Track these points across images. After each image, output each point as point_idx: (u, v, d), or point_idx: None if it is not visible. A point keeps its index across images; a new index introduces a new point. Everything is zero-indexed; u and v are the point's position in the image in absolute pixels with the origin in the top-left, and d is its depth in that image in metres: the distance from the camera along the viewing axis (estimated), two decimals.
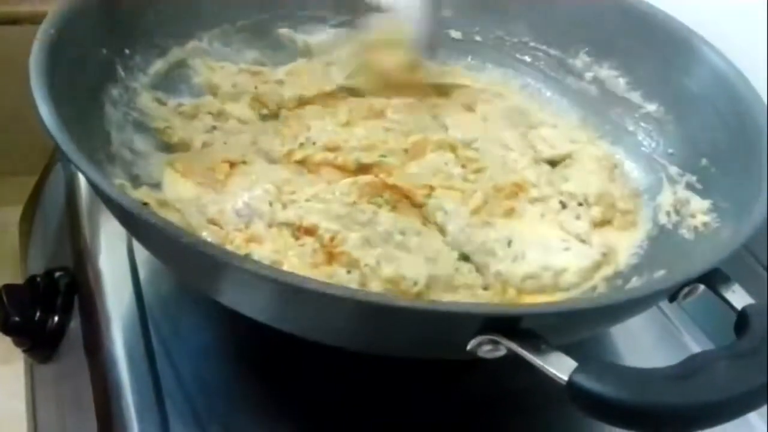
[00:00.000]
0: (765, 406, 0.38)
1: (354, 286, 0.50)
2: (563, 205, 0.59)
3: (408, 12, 0.64)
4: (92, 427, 0.51)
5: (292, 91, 0.65)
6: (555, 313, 0.41)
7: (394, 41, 0.65)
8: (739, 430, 0.41)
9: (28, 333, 0.63)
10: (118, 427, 0.49)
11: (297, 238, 0.53)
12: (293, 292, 0.40)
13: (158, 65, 0.61)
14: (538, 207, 0.59)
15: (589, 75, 0.67)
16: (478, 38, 0.71)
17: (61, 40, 0.51)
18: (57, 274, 0.63)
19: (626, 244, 0.57)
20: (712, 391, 0.36)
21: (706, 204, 0.55)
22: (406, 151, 0.61)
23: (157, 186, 0.56)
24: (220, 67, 0.65)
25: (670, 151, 0.61)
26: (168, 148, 0.59)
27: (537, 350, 0.38)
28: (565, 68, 0.68)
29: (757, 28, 0.62)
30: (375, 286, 0.50)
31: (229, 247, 0.51)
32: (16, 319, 0.62)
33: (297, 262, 0.51)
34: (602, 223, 0.58)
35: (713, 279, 0.44)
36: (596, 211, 0.58)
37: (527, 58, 0.70)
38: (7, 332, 0.63)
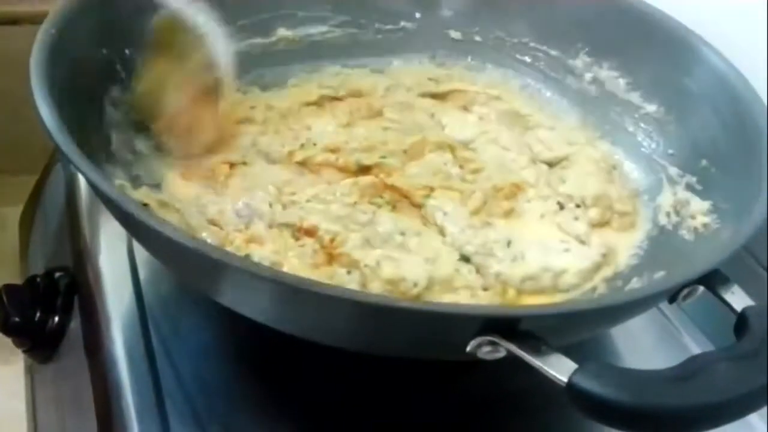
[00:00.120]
0: (765, 408, 0.38)
1: (354, 286, 0.50)
2: (561, 206, 0.59)
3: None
4: (92, 428, 0.51)
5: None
6: (554, 314, 0.41)
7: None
8: (740, 431, 0.41)
9: (28, 333, 0.63)
10: (118, 427, 0.49)
11: (297, 239, 0.53)
12: (293, 294, 0.40)
13: None
14: (536, 208, 0.59)
15: (589, 75, 0.67)
16: (477, 38, 0.71)
17: (62, 40, 0.51)
18: (57, 274, 0.63)
19: (626, 245, 0.57)
20: (712, 393, 0.36)
21: (706, 205, 0.55)
22: (405, 152, 0.61)
23: (157, 186, 0.56)
24: None
25: (670, 151, 0.61)
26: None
27: (537, 352, 0.38)
28: (565, 69, 0.68)
29: (757, 28, 0.62)
30: (375, 287, 0.50)
31: (229, 248, 0.51)
32: (16, 319, 0.62)
33: (297, 263, 0.51)
34: (601, 224, 0.58)
35: (713, 280, 0.44)
36: (594, 213, 0.58)
37: (527, 59, 0.70)
38: (7, 332, 0.63)
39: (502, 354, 0.39)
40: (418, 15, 0.71)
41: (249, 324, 0.45)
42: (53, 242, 0.70)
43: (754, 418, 0.50)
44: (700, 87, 0.59)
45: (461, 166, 0.61)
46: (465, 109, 0.68)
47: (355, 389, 0.52)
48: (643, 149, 0.63)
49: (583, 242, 0.56)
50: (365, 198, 0.56)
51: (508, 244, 0.55)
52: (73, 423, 0.58)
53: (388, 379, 0.51)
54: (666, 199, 0.58)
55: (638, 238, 0.58)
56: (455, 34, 0.71)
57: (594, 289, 0.54)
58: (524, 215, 0.58)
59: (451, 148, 0.62)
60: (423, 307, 0.42)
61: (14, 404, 0.72)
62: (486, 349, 0.39)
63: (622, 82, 0.65)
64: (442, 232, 0.56)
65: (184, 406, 0.50)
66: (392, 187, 0.58)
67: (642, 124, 0.63)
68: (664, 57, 0.62)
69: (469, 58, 0.71)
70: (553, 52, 0.69)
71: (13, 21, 1.07)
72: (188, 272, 0.49)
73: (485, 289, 0.53)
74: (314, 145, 0.61)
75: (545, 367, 0.37)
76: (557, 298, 0.53)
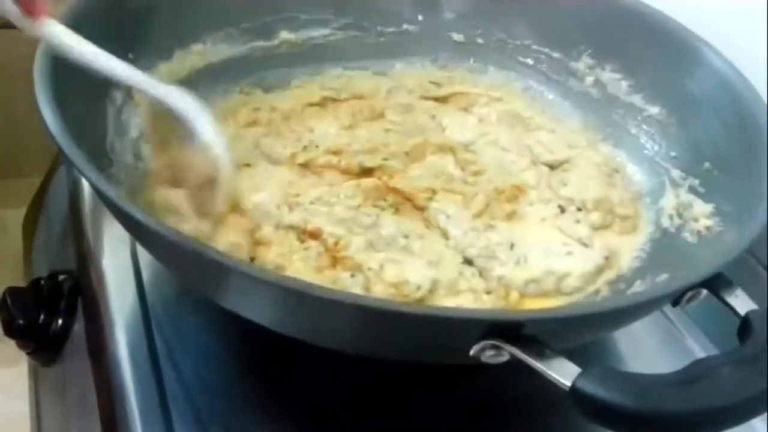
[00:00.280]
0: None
1: (357, 290, 0.50)
2: (562, 210, 0.59)
3: None
4: (96, 429, 0.51)
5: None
6: (558, 318, 0.41)
7: None
8: None
9: (31, 336, 0.63)
10: (122, 428, 0.49)
11: (302, 242, 0.53)
12: (296, 298, 0.40)
13: (161, 69, 0.61)
14: (538, 210, 0.59)
15: (591, 78, 0.67)
16: (480, 41, 0.71)
17: None
18: (61, 277, 0.63)
19: (628, 248, 0.57)
20: (716, 397, 0.36)
21: (708, 208, 0.55)
22: (407, 153, 0.61)
23: None
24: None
25: (673, 154, 0.61)
26: None
27: (540, 356, 0.38)
28: (567, 71, 0.68)
29: (757, 29, 0.62)
30: (378, 290, 0.50)
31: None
32: (20, 322, 0.62)
33: (301, 266, 0.51)
34: (602, 227, 0.58)
35: (716, 284, 0.44)
36: (595, 217, 0.58)
37: (529, 61, 0.70)
38: (11, 335, 0.63)
39: (505, 358, 0.39)
40: (420, 17, 0.71)
41: (252, 326, 0.45)
42: (57, 245, 0.70)
43: (757, 422, 0.50)
44: (703, 89, 0.59)
45: (462, 169, 0.61)
46: (466, 110, 0.68)
47: (356, 392, 0.52)
48: (645, 152, 0.63)
49: (585, 245, 0.56)
50: (368, 201, 0.56)
51: (511, 246, 0.55)
52: (77, 425, 0.58)
53: (390, 382, 0.51)
54: (669, 201, 0.58)
55: (641, 240, 0.58)
56: (457, 37, 0.71)
57: (597, 292, 0.54)
58: (526, 218, 0.58)
59: (452, 150, 0.62)
60: (427, 312, 0.42)
61: (18, 406, 0.72)
62: (489, 353, 0.39)
63: (624, 84, 0.65)
64: (445, 235, 0.56)
65: (187, 407, 0.50)
66: (395, 190, 0.58)
67: (644, 127, 0.63)
68: (667, 59, 0.62)
69: (472, 61, 0.71)
70: (556, 55, 0.69)
71: None
72: (191, 275, 0.49)
73: (488, 292, 0.53)
74: (317, 147, 0.61)
75: (548, 371, 0.37)
76: (560, 301, 0.53)
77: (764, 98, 0.55)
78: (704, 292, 0.44)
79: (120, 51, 0.57)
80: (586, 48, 0.67)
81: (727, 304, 0.43)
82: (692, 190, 0.57)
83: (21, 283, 0.67)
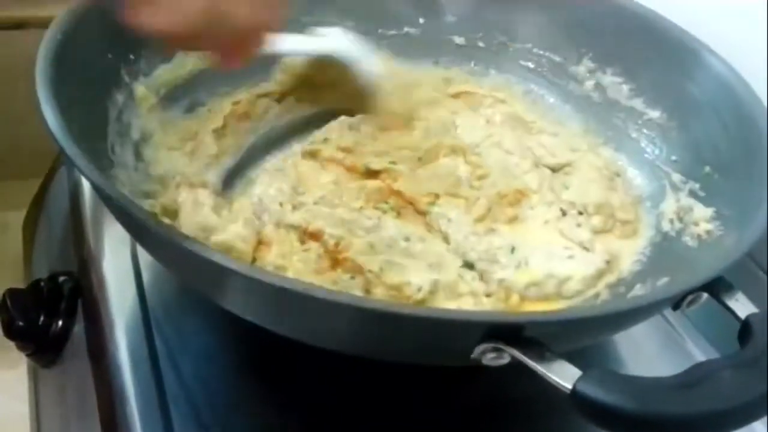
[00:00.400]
0: None
1: (358, 292, 0.50)
2: (563, 213, 0.59)
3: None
4: (96, 431, 0.51)
5: None
6: (559, 321, 0.41)
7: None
8: None
9: (31, 337, 0.63)
10: (122, 430, 0.49)
11: (303, 242, 0.53)
12: (297, 300, 0.40)
13: (162, 70, 0.61)
14: (540, 214, 0.59)
15: (592, 81, 0.67)
16: (481, 44, 0.71)
17: (68, 45, 0.51)
18: (61, 278, 0.63)
19: (629, 252, 0.57)
20: (717, 401, 0.36)
21: (709, 212, 0.55)
22: (420, 159, 0.61)
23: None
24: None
25: (673, 158, 0.61)
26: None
27: (541, 358, 0.38)
28: (568, 75, 0.68)
29: (758, 32, 0.62)
30: (379, 292, 0.50)
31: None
32: (20, 323, 0.62)
33: (302, 267, 0.51)
34: (603, 231, 0.58)
35: (717, 287, 0.44)
36: (596, 221, 0.58)
37: (531, 65, 0.70)
38: (10, 336, 0.63)
39: (506, 360, 0.39)
40: (421, 20, 0.71)
41: (252, 327, 0.45)
42: (57, 246, 0.70)
43: (758, 425, 0.50)
44: (703, 93, 0.59)
45: (470, 172, 0.61)
46: (474, 110, 0.68)
47: (357, 393, 0.52)
48: (646, 155, 0.63)
49: (586, 249, 0.56)
50: (371, 203, 0.56)
51: (512, 250, 0.55)
52: (77, 426, 0.58)
53: (391, 384, 0.51)
54: (669, 205, 0.58)
55: (641, 244, 0.58)
56: (459, 40, 0.71)
57: (597, 295, 0.54)
58: (528, 222, 0.58)
59: (463, 152, 0.62)
60: (428, 314, 0.42)
61: (18, 408, 0.72)
62: (490, 355, 0.39)
63: (625, 88, 0.65)
64: (446, 239, 0.56)
65: (188, 409, 0.50)
66: (398, 193, 0.58)
67: (645, 131, 0.64)
68: (668, 63, 0.62)
69: (473, 64, 0.72)
70: (557, 58, 0.69)
71: (19, 25, 1.07)
72: (191, 276, 0.49)
73: (488, 295, 0.53)
74: (325, 140, 0.61)
75: (549, 374, 0.37)
76: (560, 304, 0.53)
77: (764, 102, 0.55)
78: (705, 295, 0.44)
79: (121, 52, 0.58)
80: (586, 51, 0.67)
81: (728, 308, 0.43)
82: (693, 193, 0.57)
83: (21, 284, 0.67)
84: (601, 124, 0.66)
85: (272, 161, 0.62)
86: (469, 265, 0.54)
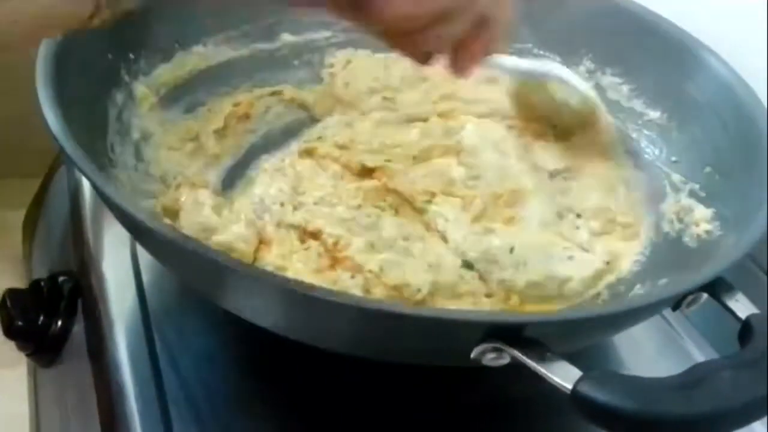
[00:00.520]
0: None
1: (357, 291, 0.50)
2: (560, 216, 0.59)
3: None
4: (96, 431, 0.51)
5: None
6: (559, 321, 0.41)
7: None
8: None
9: (31, 337, 0.63)
10: (122, 430, 0.49)
11: (303, 242, 0.53)
12: (297, 300, 0.40)
13: (162, 70, 0.61)
14: (537, 216, 0.58)
15: (591, 82, 0.67)
16: None
17: (68, 44, 0.51)
18: (61, 278, 0.63)
19: (629, 252, 0.57)
20: (717, 401, 0.36)
21: (709, 212, 0.55)
22: (414, 157, 0.61)
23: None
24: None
25: (674, 158, 0.61)
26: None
27: (541, 358, 0.38)
28: None
29: (758, 33, 0.62)
30: (378, 292, 0.50)
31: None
32: (20, 323, 0.62)
33: (301, 267, 0.51)
34: (603, 233, 0.58)
35: (717, 288, 0.44)
36: (595, 224, 0.58)
37: None
38: (10, 336, 0.63)
39: (506, 361, 0.39)
40: None
41: (252, 327, 0.45)
42: (57, 246, 0.70)
43: (757, 425, 0.50)
44: (703, 94, 0.59)
45: (465, 172, 0.61)
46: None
47: (357, 394, 0.52)
48: (646, 156, 0.63)
49: (585, 250, 0.56)
50: (369, 201, 0.56)
51: (511, 251, 0.55)
52: (77, 427, 0.58)
53: (391, 385, 0.51)
54: (669, 206, 0.58)
55: (641, 245, 0.58)
56: None
57: (597, 295, 0.54)
58: (525, 222, 0.58)
59: (457, 152, 0.62)
60: (428, 314, 0.42)
61: (17, 408, 0.72)
62: (490, 355, 0.39)
63: (625, 88, 0.65)
64: (444, 238, 0.56)
65: (187, 409, 0.50)
66: (394, 191, 0.58)
67: (645, 131, 0.63)
68: (667, 64, 0.62)
69: None
70: (557, 59, 0.69)
71: None
72: (191, 276, 0.49)
73: (488, 295, 0.53)
74: (319, 138, 0.61)
75: (550, 374, 0.37)
76: (560, 305, 0.53)
77: (765, 102, 0.55)
78: (705, 296, 0.44)
79: (120, 52, 0.58)
80: (586, 52, 0.67)
81: (728, 308, 0.43)
82: (693, 194, 0.57)
83: (21, 284, 0.67)
84: None
85: (271, 161, 0.61)
86: (468, 265, 0.54)
